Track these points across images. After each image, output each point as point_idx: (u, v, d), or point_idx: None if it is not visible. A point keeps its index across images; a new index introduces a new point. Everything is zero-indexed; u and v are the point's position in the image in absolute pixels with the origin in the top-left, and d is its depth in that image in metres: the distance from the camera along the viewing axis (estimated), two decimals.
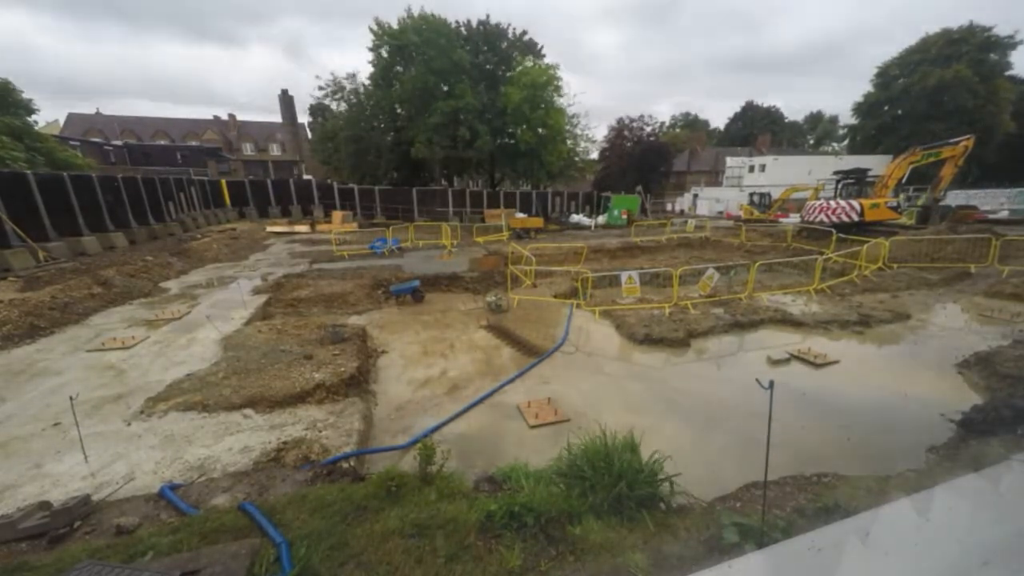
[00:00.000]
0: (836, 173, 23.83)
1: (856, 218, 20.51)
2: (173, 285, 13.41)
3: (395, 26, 33.75)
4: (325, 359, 7.32)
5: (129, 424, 5.56)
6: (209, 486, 4.37)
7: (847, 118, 58.66)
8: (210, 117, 66.13)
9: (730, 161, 52.03)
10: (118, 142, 54.69)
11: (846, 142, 63.08)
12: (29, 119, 29.28)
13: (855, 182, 22.47)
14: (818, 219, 21.83)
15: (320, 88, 36.81)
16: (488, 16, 35.95)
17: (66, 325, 9.42)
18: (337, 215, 29.42)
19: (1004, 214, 27.71)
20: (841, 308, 10.92)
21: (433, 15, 33.50)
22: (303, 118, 60.07)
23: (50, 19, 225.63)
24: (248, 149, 64.83)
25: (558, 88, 36.41)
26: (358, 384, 6.83)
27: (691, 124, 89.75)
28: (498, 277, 14.59)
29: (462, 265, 16.15)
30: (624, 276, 11.87)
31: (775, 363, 8.13)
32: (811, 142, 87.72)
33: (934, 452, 5.31)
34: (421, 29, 32.92)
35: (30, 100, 29.24)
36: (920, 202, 27.22)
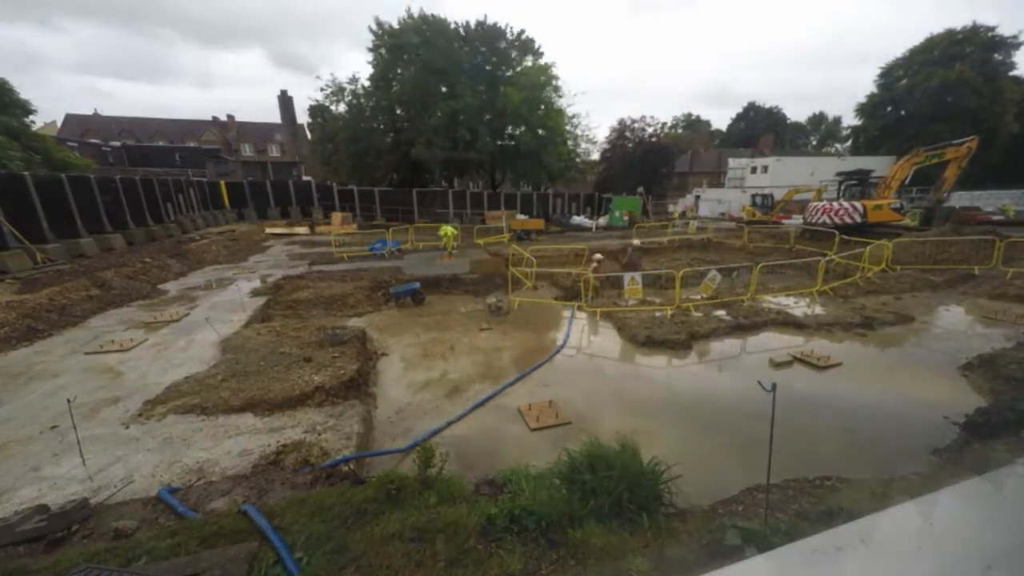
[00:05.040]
0: (839, 174, 23.79)
1: (859, 220, 20.46)
2: (172, 287, 13.41)
3: (395, 27, 33.82)
4: (324, 361, 7.30)
5: (127, 427, 5.54)
6: (208, 489, 4.34)
7: (850, 119, 58.74)
8: (209, 118, 66.20)
9: (732, 162, 51.86)
10: (116, 143, 54.77)
11: (849, 143, 63.07)
12: (26, 119, 29.27)
13: (858, 183, 22.43)
14: (821, 220, 21.79)
15: (321, 89, 36.90)
16: (486, 16, 36.00)
17: (64, 327, 9.41)
18: (336, 216, 29.38)
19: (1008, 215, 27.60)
20: (844, 310, 10.87)
21: (433, 16, 33.58)
22: (303, 119, 60.10)
23: None
24: (247, 150, 64.86)
25: (556, 88, 36.47)
26: (358, 387, 6.80)
27: (692, 125, 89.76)
28: (499, 279, 14.56)
29: (463, 267, 16.13)
30: (627, 277, 11.85)
31: (778, 365, 8.08)
32: (814, 143, 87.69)
33: (938, 455, 5.27)
34: (421, 29, 32.98)
35: (27, 100, 29.23)
36: (923, 203, 27.15)
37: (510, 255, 16.48)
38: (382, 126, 36.21)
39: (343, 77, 36.86)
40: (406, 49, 33.25)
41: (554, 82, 35.96)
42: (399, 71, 34.64)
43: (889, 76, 50.38)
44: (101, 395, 6.41)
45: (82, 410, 5.77)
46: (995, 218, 24.66)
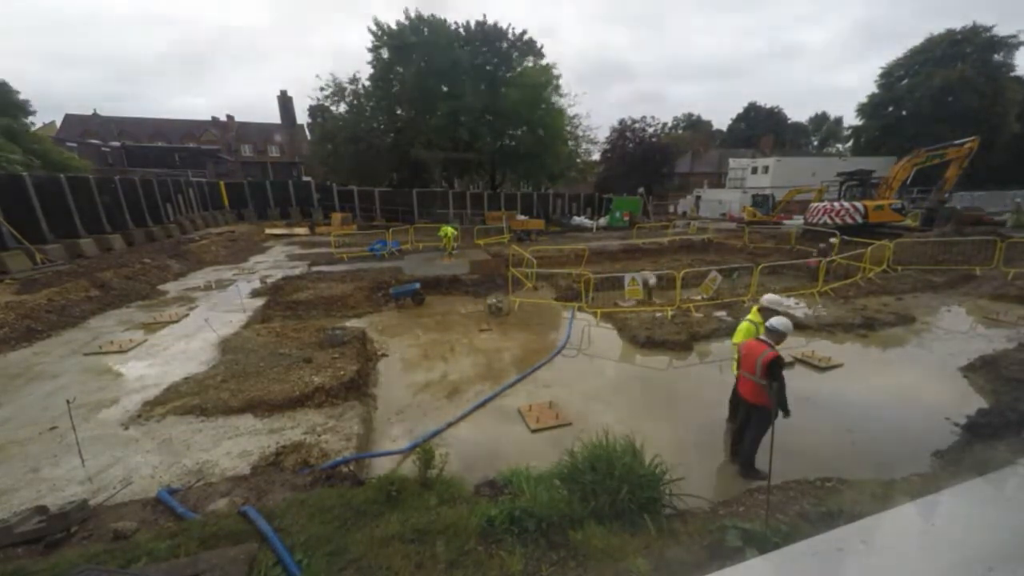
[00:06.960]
0: (840, 175, 23.72)
1: (860, 220, 20.41)
2: (171, 288, 13.41)
3: (394, 27, 33.82)
4: (324, 362, 7.29)
5: (126, 428, 5.53)
6: (207, 490, 4.34)
7: (851, 119, 58.73)
8: (208, 118, 66.19)
9: (732, 163, 51.74)
10: (115, 143, 54.60)
11: (850, 143, 63.01)
12: (26, 120, 29.28)
13: (859, 184, 22.35)
14: (822, 221, 21.76)
15: (320, 89, 36.82)
16: (486, 16, 35.97)
17: (63, 328, 9.41)
18: (336, 217, 29.36)
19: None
20: (845, 311, 10.85)
21: (432, 16, 33.61)
22: (303, 119, 59.98)
23: None
24: (247, 150, 64.79)
25: (557, 88, 36.45)
26: (358, 388, 6.79)
27: (693, 125, 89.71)
28: (499, 280, 14.55)
29: (463, 268, 16.12)
30: (627, 278, 11.84)
31: None
32: (815, 143, 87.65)
33: (939, 456, 5.26)
34: (421, 30, 32.99)
35: (27, 101, 29.23)
36: (924, 204, 27.12)
37: (510, 256, 16.47)
38: (382, 126, 36.16)
39: (343, 76, 36.86)
40: (406, 50, 33.24)
41: (555, 82, 35.97)
42: (399, 71, 34.63)
43: (890, 76, 50.33)
44: (100, 396, 6.41)
45: (81, 411, 5.76)
46: (997, 219, 24.61)
